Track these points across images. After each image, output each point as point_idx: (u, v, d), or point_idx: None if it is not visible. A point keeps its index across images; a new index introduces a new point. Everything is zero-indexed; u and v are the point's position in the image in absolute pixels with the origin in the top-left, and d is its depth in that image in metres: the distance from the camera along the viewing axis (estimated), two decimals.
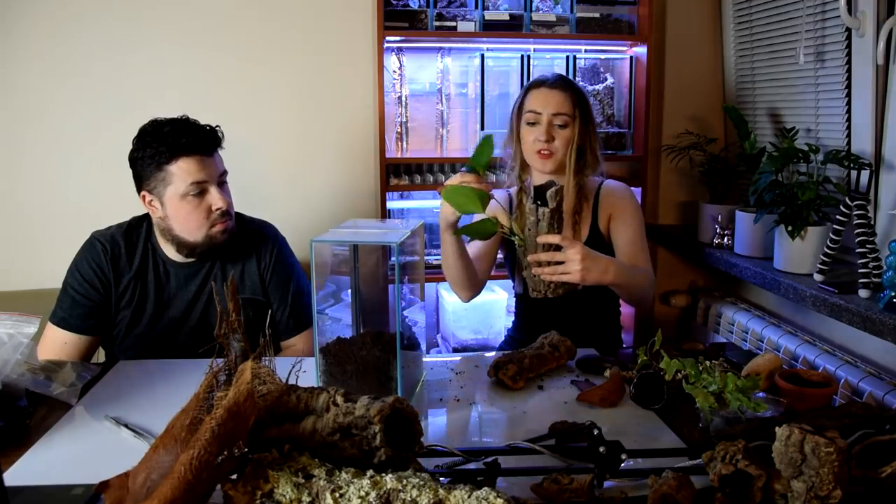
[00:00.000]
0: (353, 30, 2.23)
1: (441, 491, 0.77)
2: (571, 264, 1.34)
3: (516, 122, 1.74)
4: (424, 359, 1.41)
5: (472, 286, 1.69)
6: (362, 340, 1.19)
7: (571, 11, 2.26)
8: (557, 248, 1.34)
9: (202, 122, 1.54)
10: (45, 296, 1.64)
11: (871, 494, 0.89)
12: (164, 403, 1.14)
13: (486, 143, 1.32)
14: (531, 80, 1.77)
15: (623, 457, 0.92)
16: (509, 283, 1.89)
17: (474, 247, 1.72)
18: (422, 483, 0.77)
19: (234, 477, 0.80)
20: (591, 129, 1.72)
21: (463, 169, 1.40)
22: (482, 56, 2.24)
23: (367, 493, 0.77)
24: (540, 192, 1.33)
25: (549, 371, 1.37)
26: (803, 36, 1.89)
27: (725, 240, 2.09)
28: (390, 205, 2.28)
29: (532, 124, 1.70)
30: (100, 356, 1.68)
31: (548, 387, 1.31)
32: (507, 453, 0.97)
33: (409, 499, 0.76)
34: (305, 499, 0.78)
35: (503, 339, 1.97)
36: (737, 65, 2.31)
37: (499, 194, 1.86)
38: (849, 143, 1.79)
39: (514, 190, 1.82)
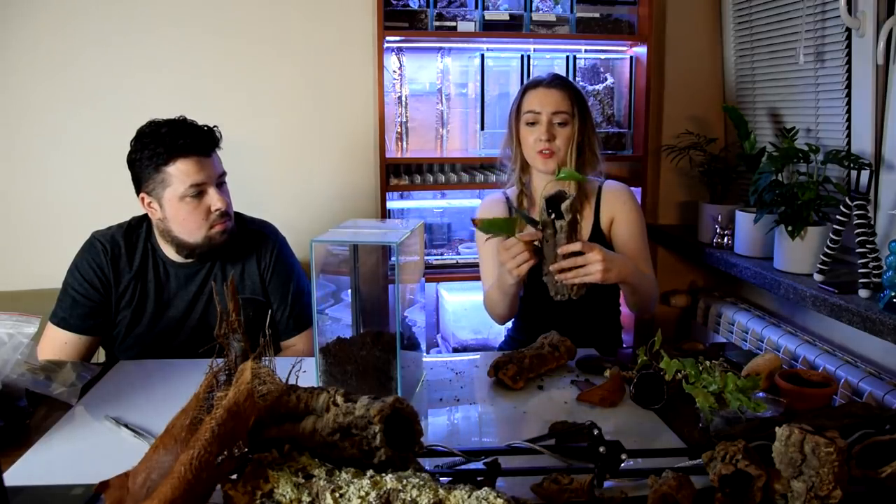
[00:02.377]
0: (353, 30, 2.23)
1: (441, 491, 0.77)
2: (593, 266, 1.38)
3: (515, 124, 1.75)
4: (424, 359, 1.41)
5: (513, 314, 1.75)
6: (362, 340, 1.19)
7: (571, 11, 2.26)
8: (576, 252, 1.38)
9: (202, 122, 1.54)
10: (45, 296, 1.64)
11: (871, 494, 0.89)
12: (164, 403, 1.14)
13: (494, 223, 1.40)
14: (527, 81, 1.77)
15: (623, 457, 0.92)
16: None
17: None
18: (422, 483, 0.77)
19: (234, 477, 0.80)
20: (589, 126, 1.73)
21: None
22: (482, 56, 2.24)
23: (367, 493, 0.77)
24: (552, 202, 1.37)
25: (549, 371, 1.37)
26: (803, 36, 1.89)
27: (725, 240, 2.09)
28: (390, 205, 2.28)
29: (532, 124, 1.70)
30: (100, 356, 1.68)
31: (548, 387, 1.31)
32: (507, 453, 0.97)
33: (409, 499, 0.76)
34: (305, 499, 0.78)
35: (503, 339, 1.97)
36: (737, 65, 2.31)
37: (497, 196, 1.86)
38: (849, 143, 1.79)
39: (511, 192, 1.82)
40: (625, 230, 1.71)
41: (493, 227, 1.39)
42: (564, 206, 1.34)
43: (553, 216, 1.36)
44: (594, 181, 1.78)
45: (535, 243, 1.41)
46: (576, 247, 1.36)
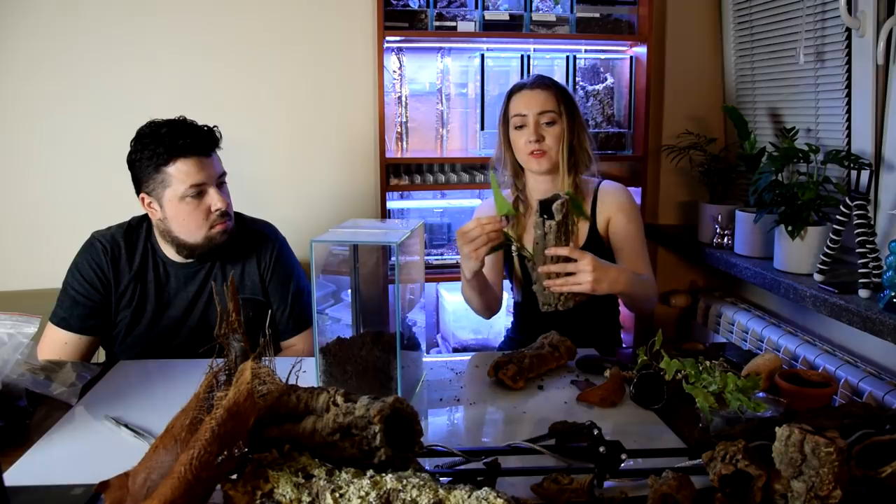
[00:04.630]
0: (353, 30, 2.23)
1: (441, 491, 0.77)
2: (583, 275, 1.34)
3: (503, 129, 1.75)
4: (424, 359, 1.41)
5: (495, 308, 1.76)
6: (362, 340, 1.19)
7: (571, 11, 2.26)
8: (567, 259, 1.35)
9: (202, 122, 1.54)
10: (45, 296, 1.64)
11: (871, 494, 0.89)
12: (164, 403, 1.14)
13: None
14: (511, 86, 1.77)
15: (623, 457, 0.92)
16: (508, 283, 1.89)
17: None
18: (422, 483, 0.77)
19: (234, 477, 0.80)
20: (579, 123, 1.72)
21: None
22: (482, 56, 2.24)
23: (367, 493, 0.77)
24: (546, 205, 1.35)
25: (549, 371, 1.37)
26: (803, 36, 1.89)
27: (725, 240, 2.09)
28: (390, 205, 2.28)
29: (520, 127, 1.70)
30: (100, 356, 1.68)
31: (548, 387, 1.31)
32: (507, 453, 0.97)
33: (409, 499, 0.76)
34: (305, 499, 0.78)
35: (503, 339, 1.97)
36: (737, 65, 2.31)
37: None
38: (849, 143, 1.79)
39: (508, 194, 1.82)
40: (622, 230, 1.71)
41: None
42: (556, 205, 1.32)
43: (545, 218, 1.34)
44: (591, 181, 1.78)
45: (525, 254, 1.40)
46: (564, 251, 1.33)
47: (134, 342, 1.58)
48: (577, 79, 2.30)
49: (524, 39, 2.24)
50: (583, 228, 1.73)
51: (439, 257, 2.34)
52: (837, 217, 1.59)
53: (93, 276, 1.55)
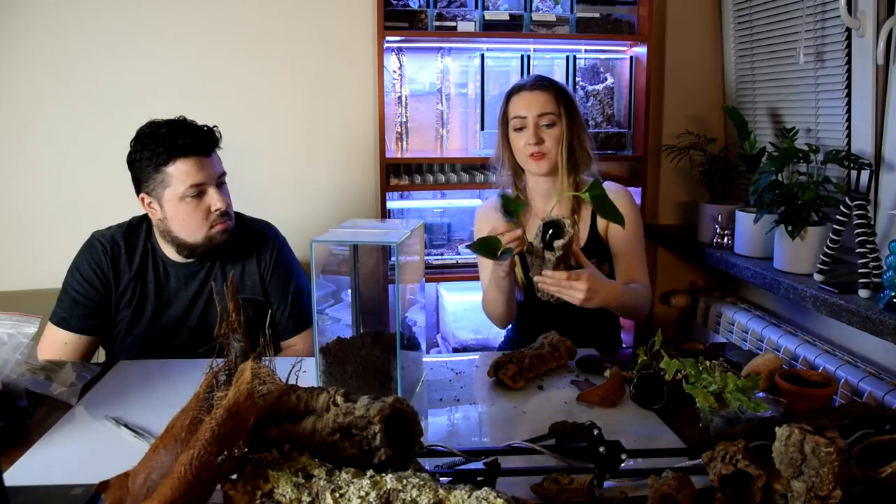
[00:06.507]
0: (353, 30, 2.23)
1: (441, 491, 0.77)
2: (575, 292, 1.39)
3: (502, 130, 1.75)
4: (424, 359, 1.41)
5: (514, 314, 1.75)
6: (362, 340, 1.19)
7: (571, 11, 2.26)
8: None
9: (202, 122, 1.54)
10: (45, 296, 1.64)
11: (871, 494, 0.89)
12: (164, 403, 1.14)
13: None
14: (510, 87, 1.77)
15: (623, 457, 0.92)
16: None
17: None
18: (422, 483, 0.77)
19: (234, 477, 0.80)
20: (578, 124, 1.72)
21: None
22: (482, 56, 2.24)
23: (367, 493, 0.77)
24: (548, 227, 1.36)
25: (549, 371, 1.37)
26: (803, 36, 1.89)
27: (725, 240, 2.09)
28: (390, 205, 2.28)
29: (519, 129, 1.70)
30: (100, 356, 1.68)
31: (548, 387, 1.31)
32: (507, 453, 0.97)
33: (409, 499, 0.76)
34: (305, 499, 0.78)
35: (503, 339, 1.97)
36: (737, 65, 2.31)
37: (491, 203, 1.86)
38: (849, 143, 1.79)
39: (508, 194, 1.82)
40: (621, 234, 1.71)
41: (482, 250, 1.36)
42: (558, 244, 1.33)
43: (545, 242, 1.35)
44: (591, 182, 1.77)
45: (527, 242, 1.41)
46: (562, 275, 1.36)
47: (134, 342, 1.58)
48: (577, 79, 2.30)
49: (524, 39, 2.24)
50: (583, 229, 1.73)
51: (439, 257, 2.34)
52: (837, 217, 1.59)
53: (93, 276, 1.55)
